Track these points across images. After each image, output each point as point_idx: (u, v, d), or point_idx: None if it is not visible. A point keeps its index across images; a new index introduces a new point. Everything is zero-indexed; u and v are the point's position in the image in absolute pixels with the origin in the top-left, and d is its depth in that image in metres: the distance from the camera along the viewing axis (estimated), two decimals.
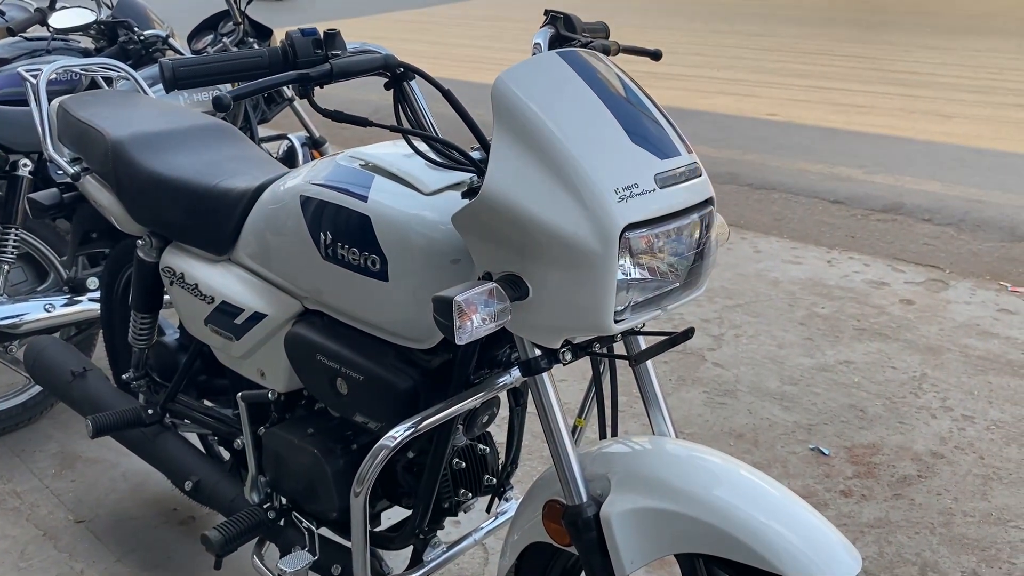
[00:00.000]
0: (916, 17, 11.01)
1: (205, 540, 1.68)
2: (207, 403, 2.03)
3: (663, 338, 1.32)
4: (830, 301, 3.59)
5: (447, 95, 1.22)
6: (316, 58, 1.20)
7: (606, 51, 1.48)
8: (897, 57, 8.51)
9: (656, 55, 1.59)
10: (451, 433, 1.49)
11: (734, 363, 3.12)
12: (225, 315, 1.72)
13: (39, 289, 2.78)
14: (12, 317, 2.59)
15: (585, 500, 1.27)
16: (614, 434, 1.47)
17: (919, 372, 3.04)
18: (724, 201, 4.72)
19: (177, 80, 1.14)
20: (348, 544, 1.57)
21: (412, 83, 1.28)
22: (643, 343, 1.44)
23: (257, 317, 1.66)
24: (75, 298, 2.69)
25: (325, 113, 1.20)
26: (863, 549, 2.21)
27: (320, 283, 1.51)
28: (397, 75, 1.25)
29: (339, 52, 1.21)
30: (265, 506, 1.76)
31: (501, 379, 1.48)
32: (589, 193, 1.12)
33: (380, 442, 1.37)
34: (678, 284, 1.23)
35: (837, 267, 3.93)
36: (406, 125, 1.29)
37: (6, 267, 2.64)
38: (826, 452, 2.61)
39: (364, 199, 1.41)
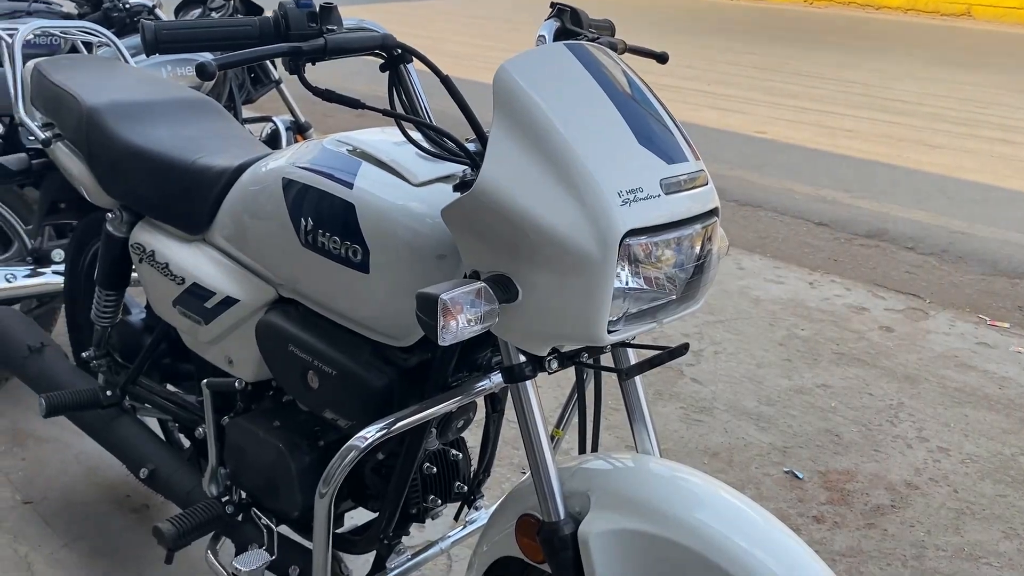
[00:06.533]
0: (905, 46, 11.09)
1: (157, 533, 1.60)
2: (170, 388, 1.95)
3: (654, 352, 1.26)
4: (810, 323, 3.56)
5: (446, 81, 1.16)
6: (310, 32, 1.13)
7: (612, 48, 1.42)
8: (885, 84, 8.54)
9: (663, 57, 1.54)
10: (424, 436, 1.42)
11: (712, 380, 3.08)
12: (195, 298, 1.64)
13: (1, 258, 2.67)
14: None
15: (563, 517, 1.20)
16: (594, 449, 1.41)
17: (896, 400, 3.01)
18: None
19: (159, 42, 1.06)
20: (308, 544, 1.49)
21: (409, 67, 1.21)
22: (632, 356, 1.38)
23: (229, 302, 1.59)
24: (38, 270, 2.58)
25: (316, 92, 1.13)
26: None
27: (297, 271, 1.44)
28: (394, 57, 1.19)
29: (335, 27, 1.14)
30: (223, 500, 1.67)
31: (480, 383, 1.41)
32: (591, 194, 1.06)
33: (350, 442, 1.30)
34: (675, 297, 1.17)
35: (819, 289, 3.91)
36: (400, 111, 1.22)
37: None
38: (800, 476, 2.57)
39: (349, 186, 1.34)
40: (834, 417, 2.89)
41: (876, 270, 4.15)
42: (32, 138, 2.03)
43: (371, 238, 1.30)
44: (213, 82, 3.44)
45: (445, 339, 1.06)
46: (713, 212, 1.17)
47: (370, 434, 1.29)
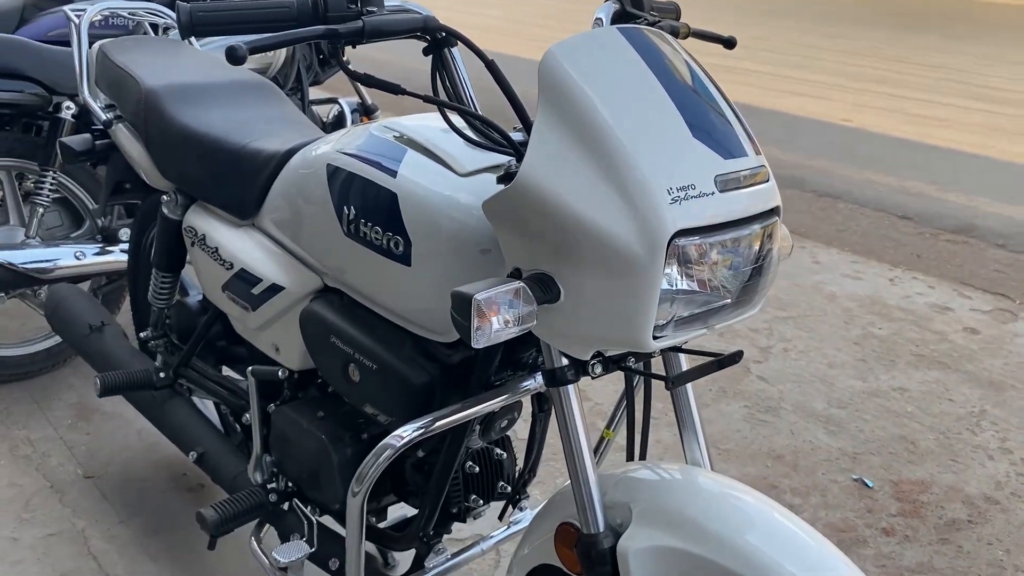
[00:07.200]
0: (1007, 31, 10.54)
1: (200, 518, 1.59)
2: (225, 371, 1.94)
3: (706, 359, 1.18)
4: (889, 322, 3.40)
5: (490, 66, 1.10)
6: (349, 14, 1.08)
7: (675, 33, 1.34)
8: (980, 71, 8.13)
9: (730, 42, 1.45)
10: (466, 435, 1.37)
11: (780, 379, 2.96)
12: (243, 283, 1.62)
13: (73, 235, 2.72)
14: (42, 261, 2.53)
15: (602, 529, 1.14)
16: (642, 457, 1.34)
17: (978, 408, 2.85)
18: (786, 207, 4.52)
19: (193, 25, 1.03)
20: None
21: (454, 51, 1.16)
22: (684, 361, 1.30)
23: (275, 289, 1.56)
24: (107, 248, 2.63)
25: (354, 76, 1.09)
26: None
27: (341, 261, 1.40)
28: (437, 40, 1.13)
29: (375, 9, 1.09)
30: (269, 486, 1.66)
31: (525, 383, 1.36)
32: (638, 190, 0.98)
33: (385, 441, 1.26)
34: (729, 301, 1.09)
35: (899, 286, 3.73)
36: (443, 97, 1.16)
37: (41, 210, 2.58)
38: (870, 484, 2.44)
39: (393, 174, 1.29)
40: (910, 423, 2.75)
41: (962, 268, 3.94)
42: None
43: (413, 229, 1.26)
44: (282, 63, 3.44)
45: (479, 341, 1.01)
46: (774, 211, 1.09)
47: (406, 433, 1.25)
